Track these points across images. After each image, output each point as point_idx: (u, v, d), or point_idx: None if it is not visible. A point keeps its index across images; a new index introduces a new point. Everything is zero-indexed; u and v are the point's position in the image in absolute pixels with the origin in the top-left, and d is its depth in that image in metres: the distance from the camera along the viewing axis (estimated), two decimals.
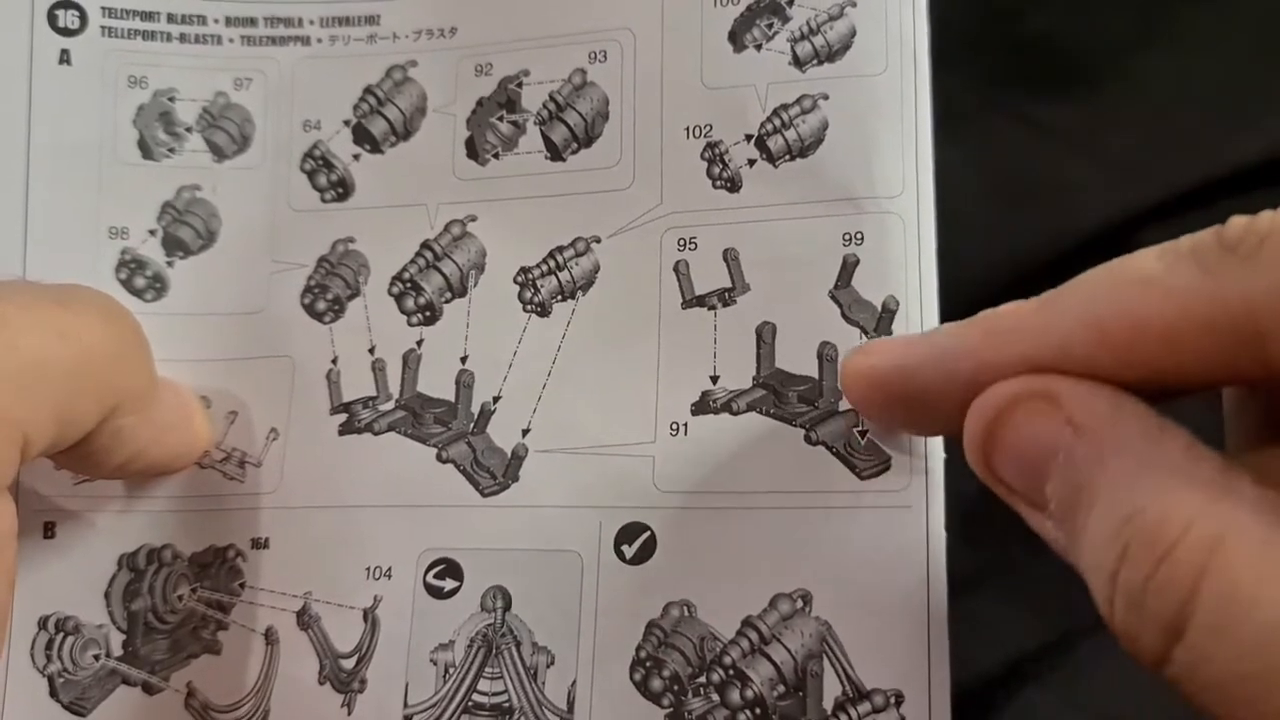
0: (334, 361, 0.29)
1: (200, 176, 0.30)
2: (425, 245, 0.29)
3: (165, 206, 0.30)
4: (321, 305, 0.29)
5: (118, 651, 0.28)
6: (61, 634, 0.28)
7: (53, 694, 0.28)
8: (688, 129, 0.28)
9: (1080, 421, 0.20)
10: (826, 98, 0.27)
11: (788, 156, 0.27)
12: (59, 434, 0.24)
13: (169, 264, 0.30)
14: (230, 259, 0.30)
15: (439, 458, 0.28)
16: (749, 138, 0.28)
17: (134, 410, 0.26)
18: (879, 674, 0.24)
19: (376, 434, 0.28)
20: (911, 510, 0.25)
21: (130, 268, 0.30)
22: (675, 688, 0.25)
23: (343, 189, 0.30)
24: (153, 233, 0.30)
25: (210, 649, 0.28)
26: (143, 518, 0.29)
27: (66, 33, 0.30)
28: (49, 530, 0.29)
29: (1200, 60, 0.37)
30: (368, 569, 0.27)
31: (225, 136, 0.30)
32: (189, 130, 0.30)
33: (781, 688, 0.25)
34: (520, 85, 0.29)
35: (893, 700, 0.24)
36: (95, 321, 0.24)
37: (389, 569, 0.27)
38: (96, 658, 0.28)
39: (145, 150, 0.30)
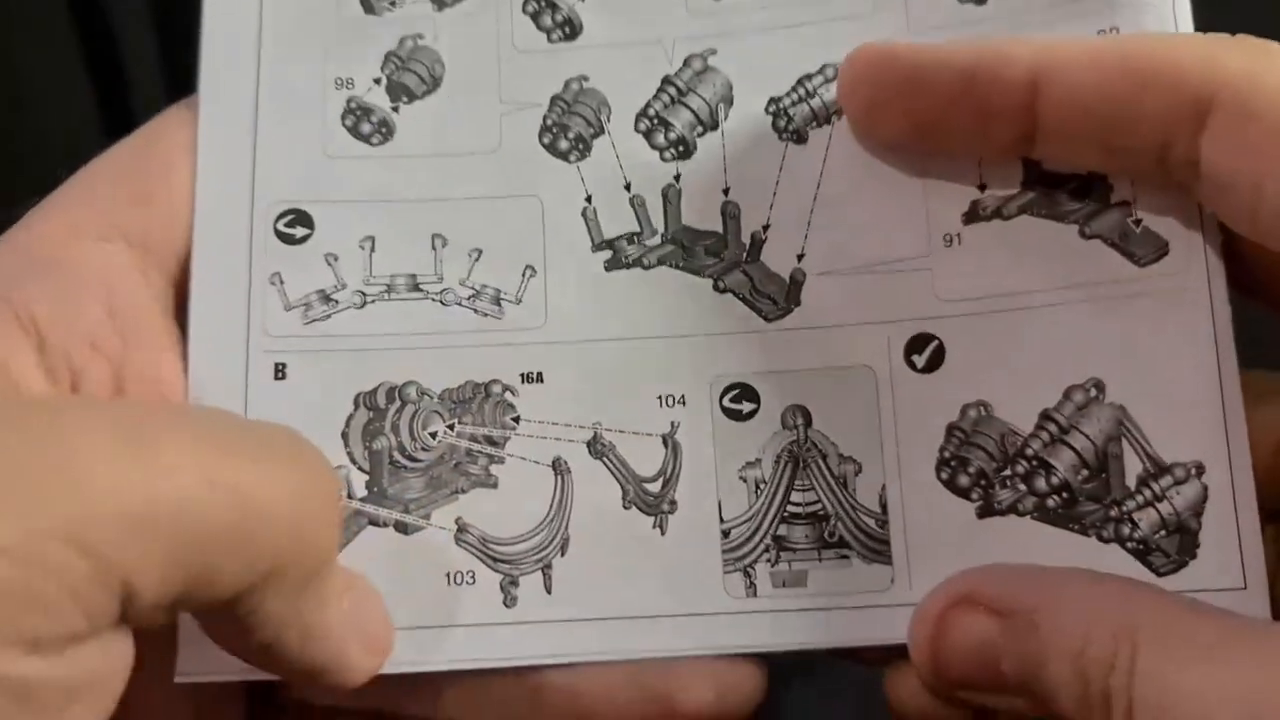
0: (588, 200, 0.29)
1: (422, 25, 0.30)
2: (667, 81, 0.29)
3: (389, 56, 0.29)
4: (564, 144, 0.29)
5: (361, 492, 0.28)
6: None
7: None
8: None
9: (1001, 608, 0.25)
10: None
11: None
12: (186, 592, 0.21)
13: (394, 109, 0.29)
14: (457, 101, 0.29)
15: (716, 287, 0.28)
16: None
17: (289, 588, 0.22)
18: (1178, 448, 0.27)
19: (647, 268, 0.29)
20: (1194, 289, 0.26)
21: (356, 115, 0.29)
22: (982, 482, 0.27)
23: (569, 29, 0.30)
24: (377, 81, 0.29)
25: (482, 483, 0.28)
26: (378, 356, 0.28)
27: None
28: (280, 371, 0.28)
29: None
30: (659, 397, 0.28)
31: None
32: None
33: (1085, 472, 0.27)
34: None
35: (1194, 471, 0.26)
36: (267, 475, 0.22)
37: (681, 396, 0.28)
38: None
39: (367, 6, 0.30)
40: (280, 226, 0.28)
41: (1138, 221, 0.27)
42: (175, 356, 0.27)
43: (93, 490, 0.20)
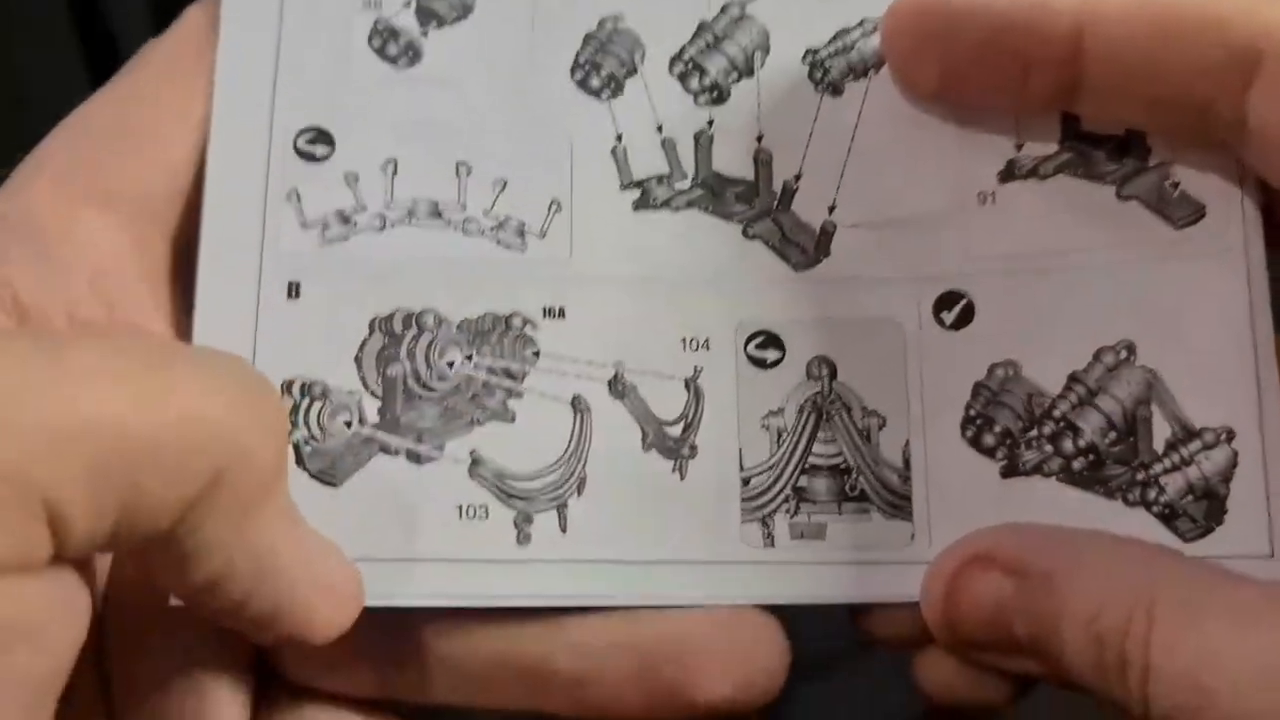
0: (618, 139, 0.28)
1: None
2: (703, 26, 0.29)
3: None
4: (596, 82, 0.28)
5: (373, 419, 0.27)
6: (308, 399, 0.26)
7: (299, 462, 0.26)
8: None
9: (1018, 568, 0.25)
10: None
11: None
12: (123, 519, 0.20)
13: (423, 33, 0.28)
14: (487, 31, 0.29)
15: (745, 234, 0.28)
16: None
17: (233, 508, 0.21)
18: (1208, 413, 0.26)
19: (675, 211, 0.28)
20: (1231, 252, 0.26)
21: (383, 36, 0.28)
22: (1008, 442, 0.27)
23: None
24: (406, 4, 0.29)
25: (499, 417, 0.27)
26: (396, 281, 0.27)
27: None
28: (293, 290, 0.27)
29: None
30: (684, 340, 0.27)
31: None
32: None
33: (1113, 434, 0.27)
34: None
35: (1223, 437, 0.26)
36: (199, 385, 0.21)
37: (706, 340, 0.27)
38: (348, 424, 0.26)
39: None
40: (300, 144, 0.27)
41: (1175, 184, 0.27)
42: (165, 323, 0.26)
43: (3, 407, 0.18)
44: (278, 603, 0.23)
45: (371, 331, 0.27)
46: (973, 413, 0.27)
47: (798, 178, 0.28)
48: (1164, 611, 0.22)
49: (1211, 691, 0.21)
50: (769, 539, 0.26)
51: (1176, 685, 0.22)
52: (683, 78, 0.29)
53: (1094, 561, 0.24)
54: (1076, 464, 0.27)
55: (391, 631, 0.26)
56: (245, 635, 0.24)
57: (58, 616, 0.20)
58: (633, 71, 0.29)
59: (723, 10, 0.29)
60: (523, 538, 0.26)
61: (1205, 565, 0.24)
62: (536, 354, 0.27)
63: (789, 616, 0.26)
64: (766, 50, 0.29)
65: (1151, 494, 0.26)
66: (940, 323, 0.27)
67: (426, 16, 0.28)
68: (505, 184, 0.28)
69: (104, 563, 0.25)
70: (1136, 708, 0.23)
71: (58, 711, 0.21)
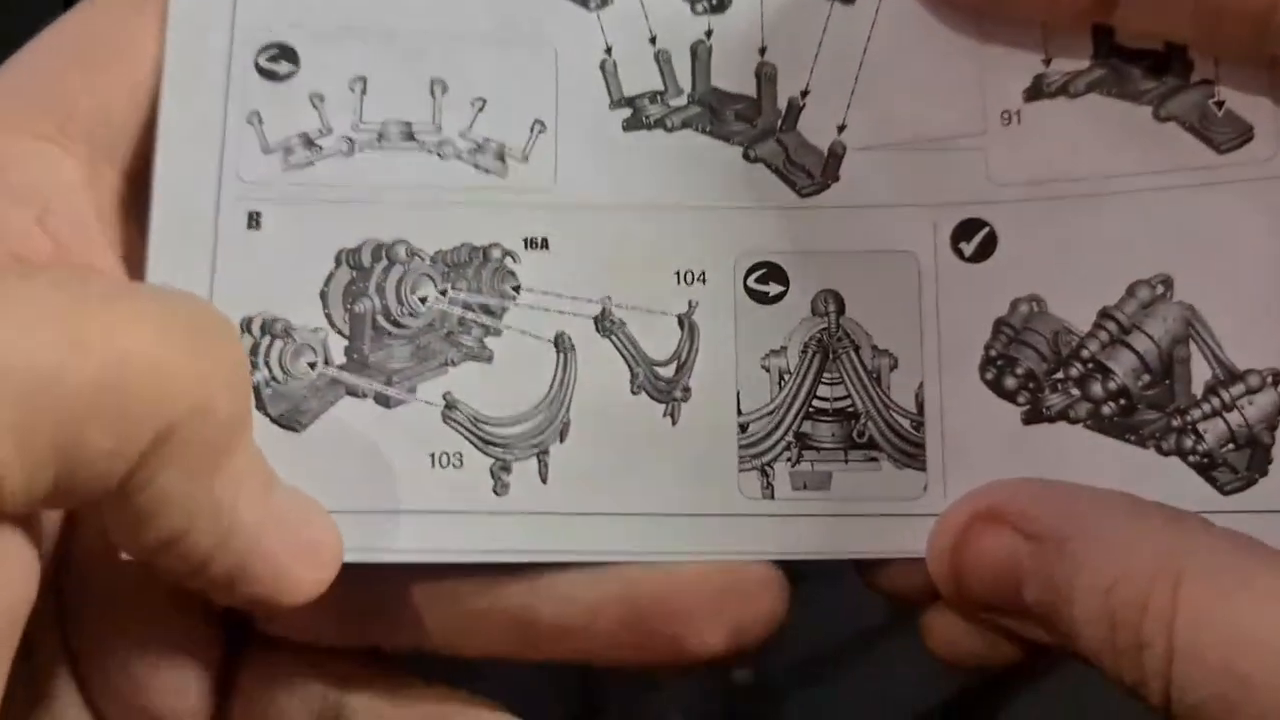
0: (608, 52, 0.26)
1: None
2: None
3: None
4: None
5: (339, 359, 0.25)
6: (268, 337, 0.25)
7: (260, 406, 0.24)
8: None
9: (1032, 530, 0.22)
10: None
11: None
12: (64, 474, 0.18)
13: None
14: None
15: (746, 156, 0.26)
16: None
17: (192, 462, 0.19)
18: (1252, 354, 0.24)
19: (669, 130, 0.26)
20: (1278, 179, 0.24)
21: None
22: (1031, 385, 0.25)
23: None
24: None
25: (475, 356, 0.25)
26: (366, 210, 0.25)
27: None
28: (254, 220, 0.25)
29: None
30: (677, 273, 0.25)
31: None
32: None
33: (1147, 377, 0.24)
34: None
35: (1269, 380, 0.24)
36: (147, 327, 0.19)
37: (702, 273, 0.25)
38: (312, 365, 0.25)
39: None
40: (262, 61, 0.25)
41: (1220, 103, 0.24)
42: (116, 260, 0.24)
43: None
44: (242, 565, 0.21)
45: (338, 264, 0.25)
46: (993, 353, 0.25)
47: (804, 94, 0.26)
48: (1191, 586, 0.20)
49: (1247, 678, 0.19)
50: (768, 489, 0.25)
51: (1205, 670, 0.20)
52: None
53: (1112, 529, 0.22)
54: (1106, 409, 0.24)
55: (366, 582, 0.24)
56: (208, 597, 0.22)
57: None
58: None
59: None
60: (500, 488, 0.24)
61: (1237, 536, 0.21)
62: (517, 288, 0.25)
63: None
64: None
65: (1188, 442, 0.24)
66: (959, 254, 0.25)
67: None
68: (484, 103, 0.26)
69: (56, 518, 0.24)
70: (1154, 695, 0.20)
71: (19, 671, 0.20)
